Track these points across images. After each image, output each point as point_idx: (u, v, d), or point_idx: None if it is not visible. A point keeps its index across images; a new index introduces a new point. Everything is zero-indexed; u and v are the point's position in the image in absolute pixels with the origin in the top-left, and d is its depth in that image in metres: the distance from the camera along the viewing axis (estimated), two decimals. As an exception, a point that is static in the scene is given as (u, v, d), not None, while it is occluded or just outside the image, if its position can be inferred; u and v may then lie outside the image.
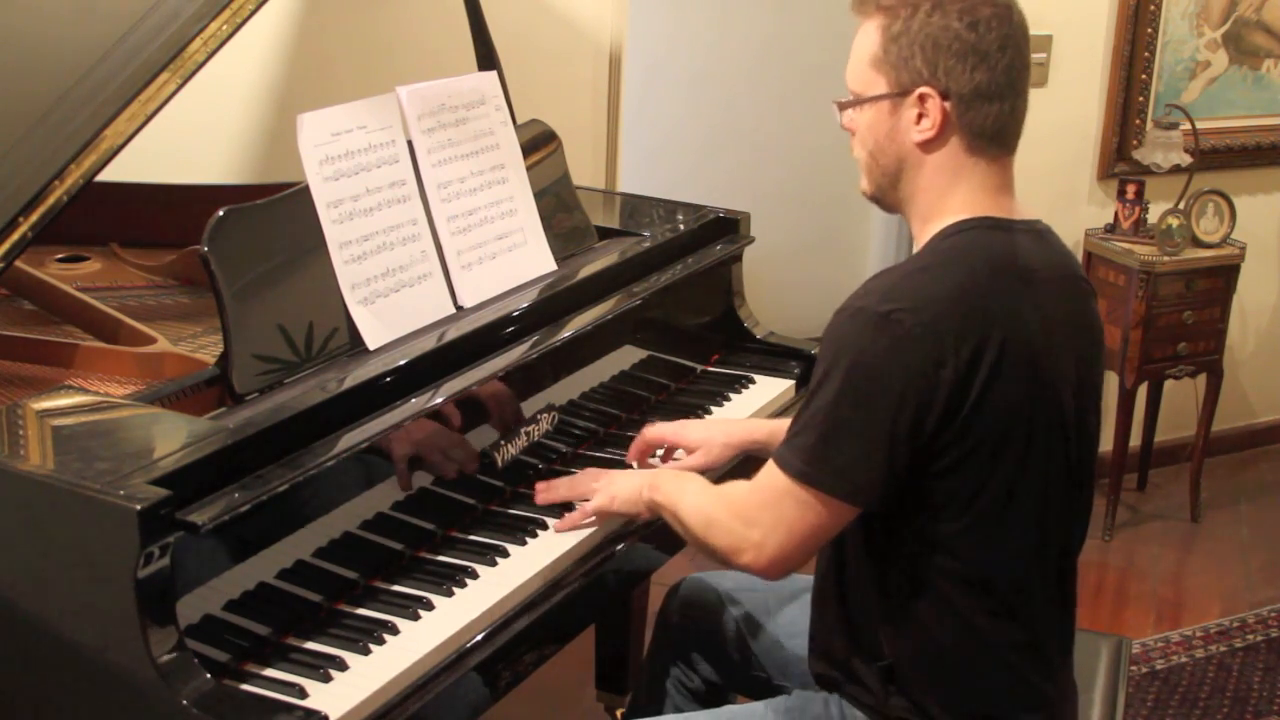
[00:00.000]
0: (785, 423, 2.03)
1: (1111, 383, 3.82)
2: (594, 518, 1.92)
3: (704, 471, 2.09)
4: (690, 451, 2.07)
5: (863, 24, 1.67)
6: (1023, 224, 1.66)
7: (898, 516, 1.63)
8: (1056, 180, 3.85)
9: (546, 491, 1.96)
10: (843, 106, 1.70)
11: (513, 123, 2.25)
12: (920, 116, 1.62)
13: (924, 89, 1.61)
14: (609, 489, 1.89)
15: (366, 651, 1.62)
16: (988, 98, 1.60)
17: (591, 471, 1.97)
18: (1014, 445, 1.60)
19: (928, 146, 1.63)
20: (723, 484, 1.78)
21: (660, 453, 2.11)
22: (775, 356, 2.52)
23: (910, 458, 1.57)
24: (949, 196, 1.64)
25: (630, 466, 2.09)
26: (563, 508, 1.94)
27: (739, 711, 1.87)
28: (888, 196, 1.70)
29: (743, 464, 2.14)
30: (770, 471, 1.64)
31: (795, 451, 1.61)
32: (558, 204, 2.34)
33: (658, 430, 2.09)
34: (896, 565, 1.67)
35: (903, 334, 1.54)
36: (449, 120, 2.12)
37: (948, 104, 1.61)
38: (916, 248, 1.68)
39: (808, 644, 1.85)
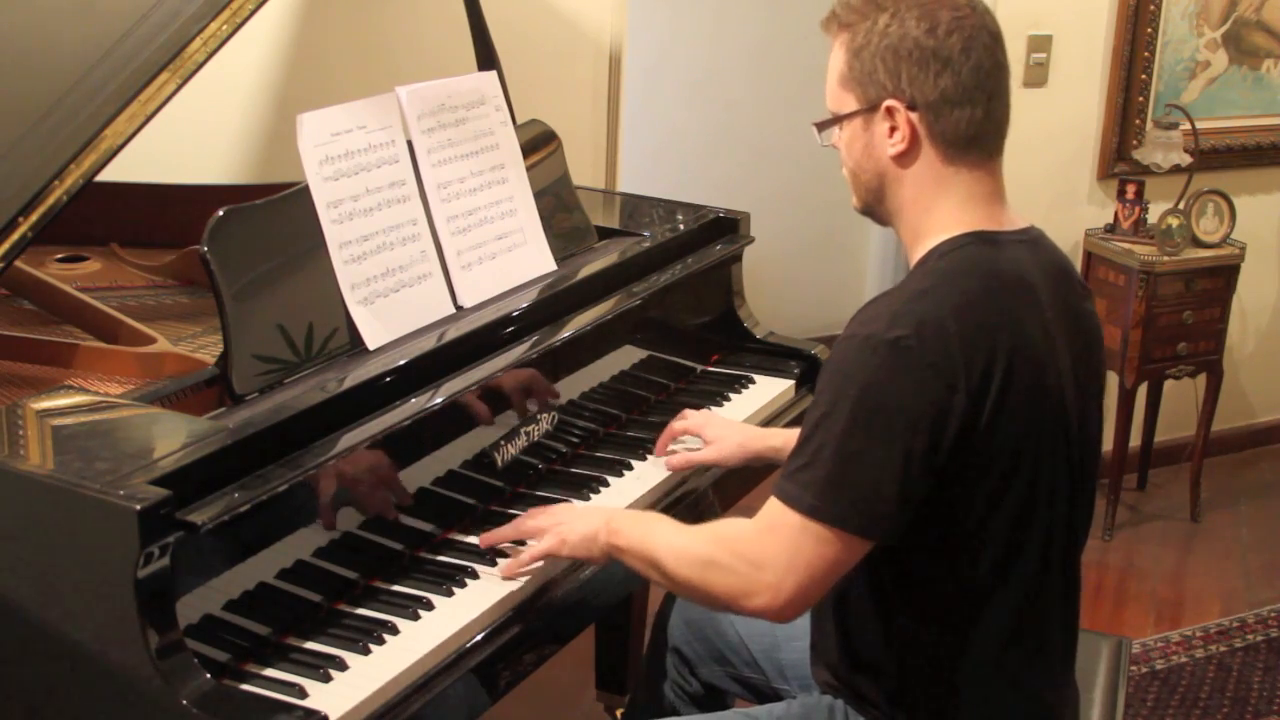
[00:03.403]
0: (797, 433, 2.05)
1: (1111, 383, 3.83)
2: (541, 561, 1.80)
3: (711, 466, 2.11)
4: (706, 444, 2.08)
5: (832, 43, 1.65)
6: (1015, 234, 1.64)
7: (908, 542, 1.58)
8: (1056, 180, 3.85)
9: (490, 537, 1.83)
10: (820, 127, 1.67)
11: (513, 123, 2.25)
12: (892, 130, 1.59)
13: (890, 102, 1.58)
14: (559, 530, 1.77)
15: (366, 651, 1.62)
16: (956, 103, 1.57)
17: (537, 511, 1.85)
18: (1026, 460, 1.58)
19: (903, 160, 1.61)
20: (710, 523, 1.69)
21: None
22: (775, 356, 2.52)
23: (926, 485, 1.54)
24: (935, 211, 1.62)
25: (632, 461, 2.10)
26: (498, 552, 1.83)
27: (741, 716, 1.86)
28: (875, 211, 1.68)
29: (740, 473, 2.15)
30: (778, 509, 1.56)
31: (805, 486, 1.54)
32: (558, 204, 2.34)
33: (681, 423, 2.12)
34: (902, 592, 1.64)
35: (912, 360, 1.51)
36: (449, 120, 2.12)
37: (915, 114, 1.58)
38: (909, 263, 1.66)
39: (809, 650, 1.84)
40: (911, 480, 1.52)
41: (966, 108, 1.58)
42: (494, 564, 1.82)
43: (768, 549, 1.57)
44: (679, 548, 1.65)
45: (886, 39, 1.57)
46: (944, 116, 1.58)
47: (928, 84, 1.57)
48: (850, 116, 1.63)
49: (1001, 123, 1.63)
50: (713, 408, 2.33)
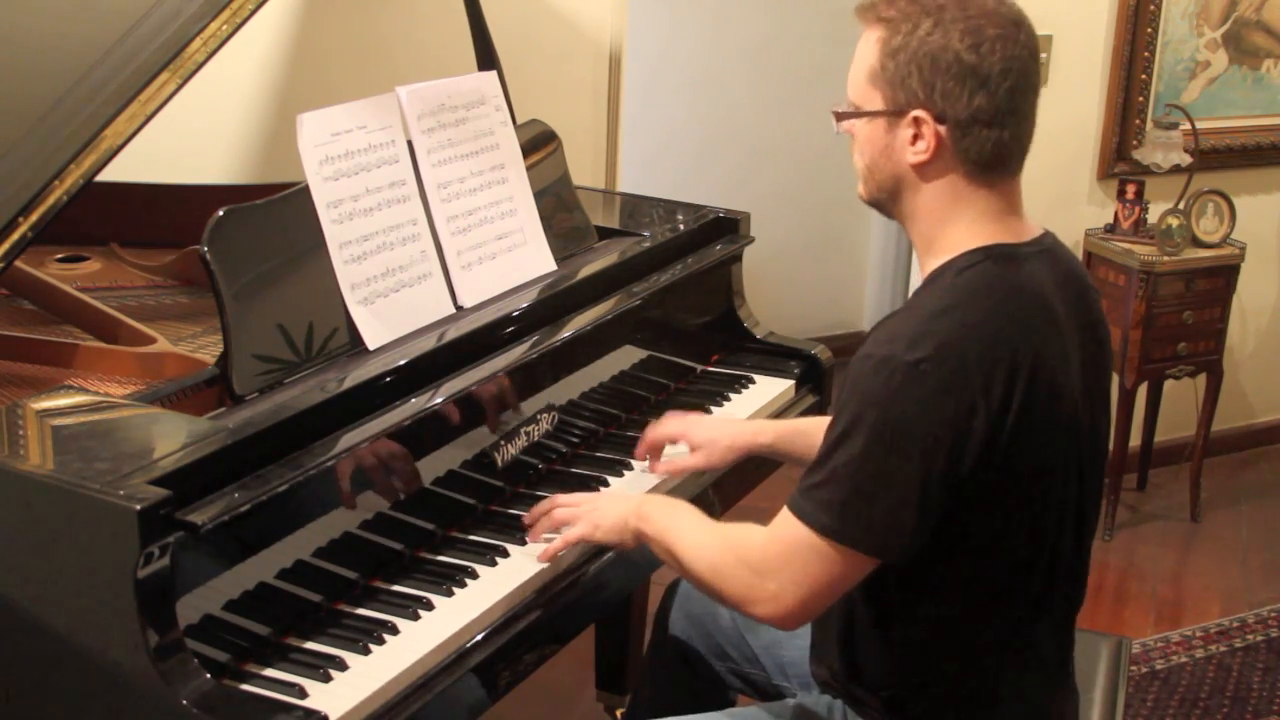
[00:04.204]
0: (791, 425, 2.06)
1: (1112, 383, 3.82)
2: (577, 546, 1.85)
3: (704, 472, 2.10)
4: (693, 449, 2.06)
5: (864, 32, 1.60)
6: (1031, 246, 1.61)
7: (920, 560, 1.56)
8: (1056, 180, 3.85)
9: (533, 524, 1.87)
10: (840, 117, 1.64)
11: (513, 123, 2.25)
12: (915, 138, 1.56)
13: (918, 112, 1.55)
14: (592, 516, 1.81)
15: (366, 651, 1.62)
16: (986, 124, 1.54)
17: (574, 496, 1.89)
18: (1043, 474, 1.57)
19: (923, 171, 1.58)
20: (729, 525, 1.69)
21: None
22: (775, 356, 2.52)
23: (943, 505, 1.52)
24: (953, 225, 1.59)
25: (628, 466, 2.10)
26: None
27: (741, 714, 1.86)
28: (885, 207, 1.65)
29: (743, 467, 2.14)
30: (790, 523, 1.56)
31: (821, 506, 1.53)
32: (558, 204, 2.34)
33: (663, 430, 2.08)
34: (906, 599, 1.64)
35: (932, 383, 1.48)
36: (449, 120, 2.12)
37: (942, 129, 1.55)
38: (920, 270, 1.64)
39: (809, 649, 1.84)
40: (928, 503, 1.51)
41: (995, 129, 1.54)
42: (494, 564, 1.82)
43: (774, 560, 1.57)
44: (695, 545, 1.68)
45: (926, 46, 1.53)
46: (970, 135, 1.55)
47: (960, 101, 1.53)
48: (873, 115, 1.60)
49: (1026, 142, 1.60)
50: (713, 408, 2.33)
